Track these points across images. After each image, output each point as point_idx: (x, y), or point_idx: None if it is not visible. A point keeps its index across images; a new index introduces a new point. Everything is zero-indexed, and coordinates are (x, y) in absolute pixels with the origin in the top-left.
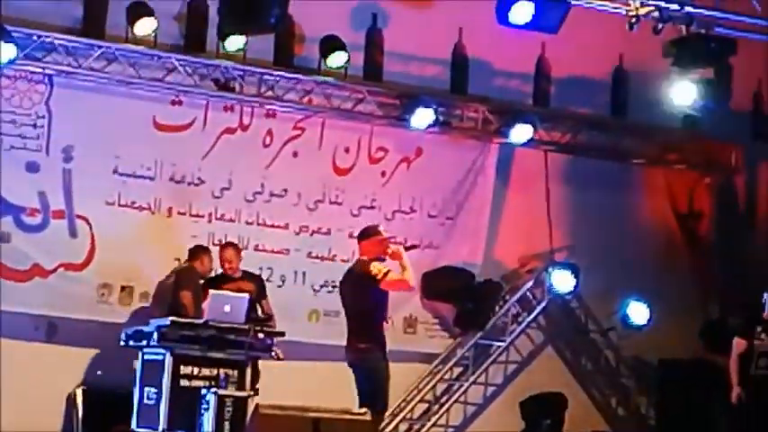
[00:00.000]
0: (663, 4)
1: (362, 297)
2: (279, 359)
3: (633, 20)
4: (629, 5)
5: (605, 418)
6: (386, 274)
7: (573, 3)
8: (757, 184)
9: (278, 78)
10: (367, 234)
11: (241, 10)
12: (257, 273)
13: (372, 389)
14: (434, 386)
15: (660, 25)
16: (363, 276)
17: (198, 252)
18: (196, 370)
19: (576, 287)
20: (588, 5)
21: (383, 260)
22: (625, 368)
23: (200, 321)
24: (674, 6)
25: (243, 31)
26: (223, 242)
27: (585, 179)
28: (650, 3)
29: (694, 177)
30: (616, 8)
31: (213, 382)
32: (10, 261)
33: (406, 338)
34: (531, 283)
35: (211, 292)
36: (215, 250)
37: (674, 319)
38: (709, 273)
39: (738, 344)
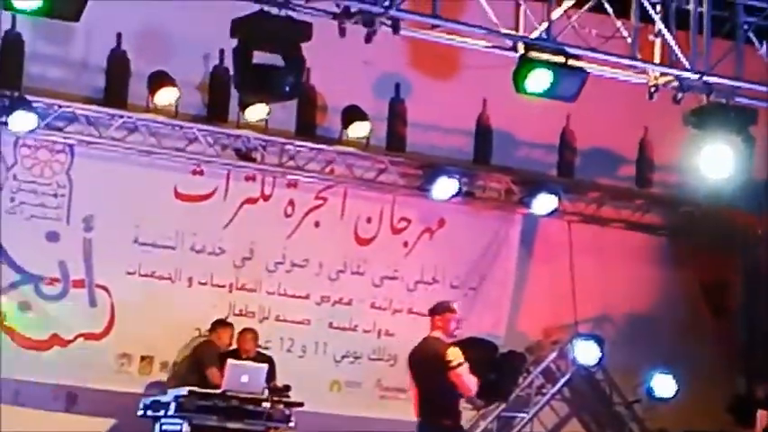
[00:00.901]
0: (682, 74)
1: (443, 377)
2: None
3: (653, 89)
4: (648, 75)
5: None
6: (460, 364)
7: (592, 72)
8: None
9: (299, 148)
10: (441, 309)
11: (256, 79)
12: (268, 354)
13: None
14: None
15: (680, 95)
16: (441, 358)
17: (217, 326)
18: None
19: (600, 359)
20: (607, 74)
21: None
22: None
23: (218, 392)
24: (694, 76)
25: (258, 99)
26: (243, 312)
27: (610, 250)
28: (669, 72)
29: (719, 248)
30: (630, 76)
31: None
32: (29, 330)
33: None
34: (555, 355)
35: (230, 361)
36: (236, 320)
37: (699, 392)
38: (736, 344)
39: (762, 416)
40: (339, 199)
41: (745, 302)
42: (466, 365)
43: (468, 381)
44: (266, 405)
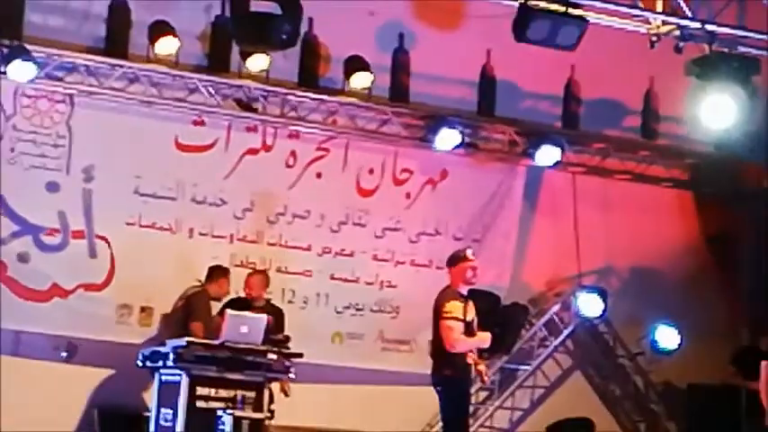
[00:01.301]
0: (684, 23)
1: (438, 327)
2: (287, 395)
3: (654, 38)
4: (650, 24)
5: None
6: (449, 317)
7: (592, 21)
8: None
9: (301, 99)
10: (455, 261)
11: (253, 27)
12: (279, 306)
13: (455, 417)
14: None
15: (681, 44)
16: (439, 308)
17: (216, 273)
18: (213, 391)
19: (603, 311)
20: (608, 23)
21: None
22: (654, 393)
23: (217, 342)
24: (696, 25)
25: (255, 47)
26: (244, 263)
27: (614, 202)
28: (671, 21)
29: (725, 200)
30: (632, 25)
31: (230, 404)
32: (29, 281)
33: (431, 362)
34: (558, 307)
35: (228, 312)
36: (236, 271)
37: (703, 344)
38: (740, 297)
39: (765, 367)
40: (341, 150)
41: (750, 254)
42: (457, 322)
43: (448, 335)
44: (266, 356)
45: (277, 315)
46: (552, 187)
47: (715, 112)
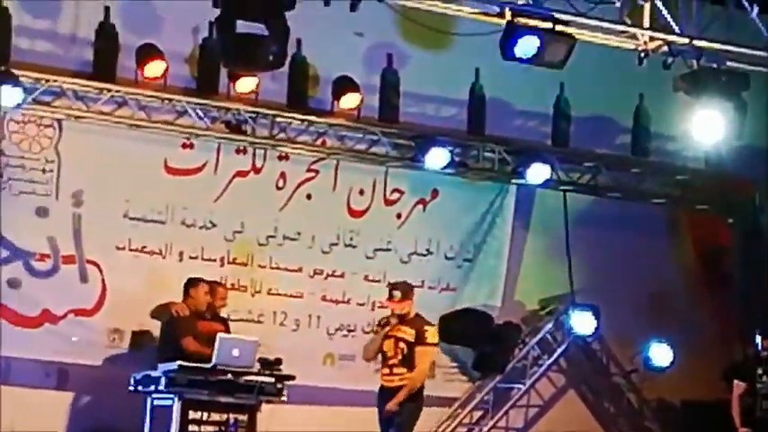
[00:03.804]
0: (671, 38)
1: None
2: None
3: (642, 54)
4: (638, 40)
5: None
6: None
7: (579, 38)
8: None
9: (291, 120)
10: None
11: (239, 48)
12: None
13: None
14: (454, 430)
15: (670, 60)
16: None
17: (189, 286)
18: (205, 415)
19: (596, 329)
20: (595, 40)
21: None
22: (648, 410)
23: (209, 366)
24: (684, 40)
25: (242, 69)
26: (236, 286)
27: (606, 220)
28: (659, 37)
29: (717, 216)
30: (620, 42)
31: (222, 427)
32: (20, 307)
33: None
34: (551, 326)
35: (219, 335)
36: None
37: (697, 361)
38: (732, 313)
39: (738, 386)
40: (331, 171)
41: (741, 269)
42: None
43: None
44: (258, 379)
45: (225, 325)
46: (543, 205)
47: (704, 128)
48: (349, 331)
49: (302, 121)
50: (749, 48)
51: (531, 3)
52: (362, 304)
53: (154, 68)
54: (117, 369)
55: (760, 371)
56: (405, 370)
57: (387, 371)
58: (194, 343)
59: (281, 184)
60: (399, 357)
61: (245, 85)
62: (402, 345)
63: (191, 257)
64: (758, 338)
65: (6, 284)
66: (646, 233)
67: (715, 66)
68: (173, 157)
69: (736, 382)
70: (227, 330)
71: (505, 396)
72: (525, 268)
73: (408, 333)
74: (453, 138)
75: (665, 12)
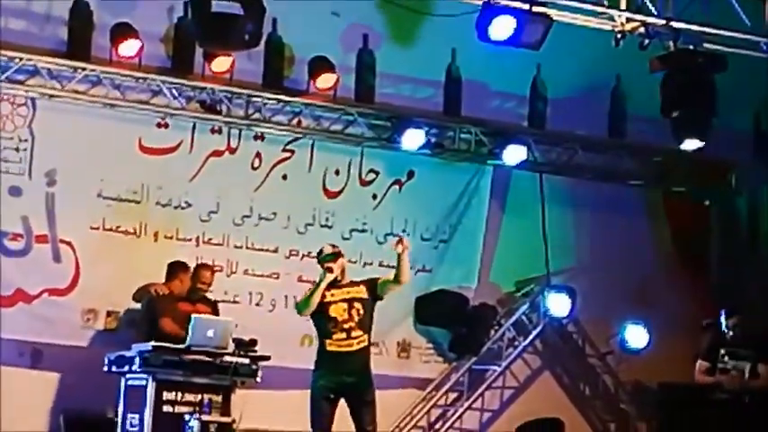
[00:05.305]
0: (649, 20)
1: None
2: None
3: (619, 35)
4: (615, 21)
5: None
6: None
7: (556, 18)
8: (759, 206)
9: (266, 100)
10: None
11: (215, 27)
12: (213, 298)
13: None
14: (429, 412)
15: (646, 41)
16: None
17: (175, 270)
18: (179, 395)
19: (572, 311)
20: (572, 21)
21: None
22: (624, 393)
23: (183, 346)
24: (661, 22)
25: (217, 48)
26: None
27: (583, 201)
28: (636, 18)
29: (692, 197)
30: (596, 23)
31: (197, 408)
32: None
33: (399, 363)
34: (526, 307)
35: (194, 316)
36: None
37: (673, 343)
38: (709, 293)
39: (700, 365)
40: (307, 151)
41: (718, 251)
42: None
43: None
44: (233, 359)
45: (213, 308)
46: (520, 187)
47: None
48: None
49: (278, 100)
50: (727, 30)
51: None
52: None
53: (128, 47)
54: (91, 349)
55: (723, 351)
56: (362, 333)
57: (342, 335)
58: (171, 324)
59: (256, 163)
60: (357, 320)
61: (221, 64)
62: (357, 305)
63: (166, 237)
64: (722, 318)
65: None
66: (622, 215)
67: (692, 47)
68: (147, 137)
69: (699, 362)
70: (216, 313)
71: (481, 377)
72: (501, 249)
73: (358, 291)
74: (429, 118)
75: None
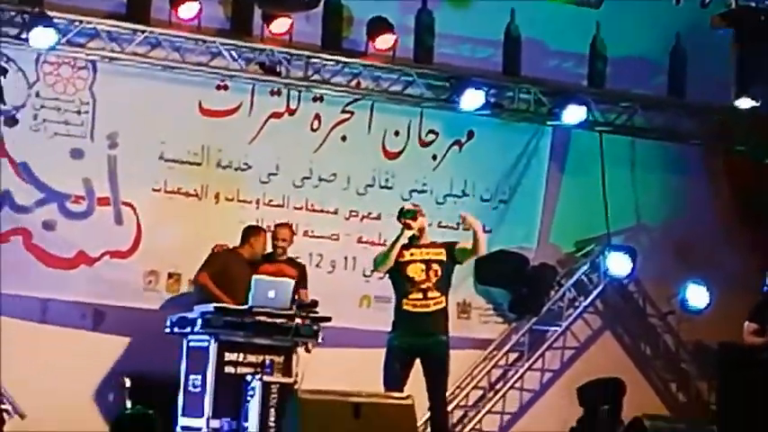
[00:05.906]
0: None
1: None
2: (308, 351)
3: None
4: None
5: (665, 403)
6: None
7: None
8: None
9: (325, 62)
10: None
11: None
12: (302, 262)
13: None
14: (489, 372)
15: None
16: None
17: (248, 234)
18: (241, 356)
19: (632, 270)
20: None
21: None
22: (685, 352)
23: (245, 307)
24: None
25: (277, 9)
26: (271, 228)
27: (642, 161)
28: None
29: (752, 155)
30: None
31: (258, 369)
32: (55, 249)
33: (459, 324)
34: (586, 267)
35: (255, 277)
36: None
37: (734, 302)
38: None
39: (748, 326)
40: (366, 112)
41: None
42: None
43: None
44: (294, 320)
45: (301, 270)
46: (579, 147)
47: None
48: (384, 273)
49: (336, 62)
50: None
51: None
52: None
53: (187, 9)
54: (153, 311)
55: None
56: (439, 294)
57: (419, 295)
58: (207, 278)
59: (315, 125)
60: (434, 281)
61: (280, 25)
62: (435, 266)
63: (226, 199)
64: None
65: (42, 226)
66: (682, 174)
67: (753, 4)
68: (207, 99)
69: (747, 323)
70: (303, 276)
71: (541, 338)
72: (561, 210)
73: (437, 252)
74: (488, 79)
75: None
